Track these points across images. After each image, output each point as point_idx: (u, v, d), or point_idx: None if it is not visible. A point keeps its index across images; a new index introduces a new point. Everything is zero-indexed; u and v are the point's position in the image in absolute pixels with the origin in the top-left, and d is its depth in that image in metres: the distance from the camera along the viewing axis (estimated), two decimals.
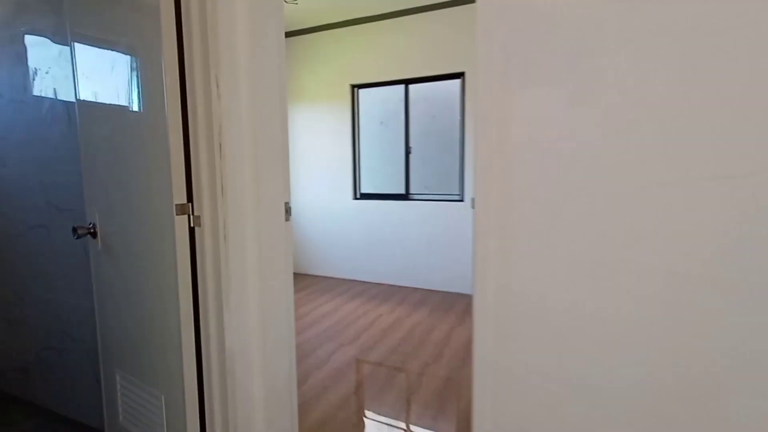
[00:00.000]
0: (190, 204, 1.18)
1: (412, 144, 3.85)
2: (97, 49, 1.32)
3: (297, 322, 2.98)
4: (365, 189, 4.15)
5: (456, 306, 3.33)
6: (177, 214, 1.15)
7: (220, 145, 1.14)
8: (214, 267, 1.17)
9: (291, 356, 1.37)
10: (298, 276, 4.35)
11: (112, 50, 1.27)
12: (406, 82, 3.77)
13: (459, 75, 3.54)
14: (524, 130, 0.86)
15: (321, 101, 4.15)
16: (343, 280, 4.18)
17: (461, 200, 3.64)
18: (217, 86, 1.12)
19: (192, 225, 1.19)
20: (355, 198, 4.14)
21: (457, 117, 3.61)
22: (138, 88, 1.21)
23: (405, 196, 3.91)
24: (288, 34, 4.18)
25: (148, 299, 1.26)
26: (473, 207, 1.15)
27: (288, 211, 1.36)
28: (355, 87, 4.03)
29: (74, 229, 1.33)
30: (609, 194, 0.79)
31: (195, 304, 1.21)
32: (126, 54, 1.24)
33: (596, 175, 0.80)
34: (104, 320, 1.42)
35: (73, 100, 1.40)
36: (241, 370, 1.19)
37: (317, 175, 4.27)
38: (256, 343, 1.22)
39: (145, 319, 1.28)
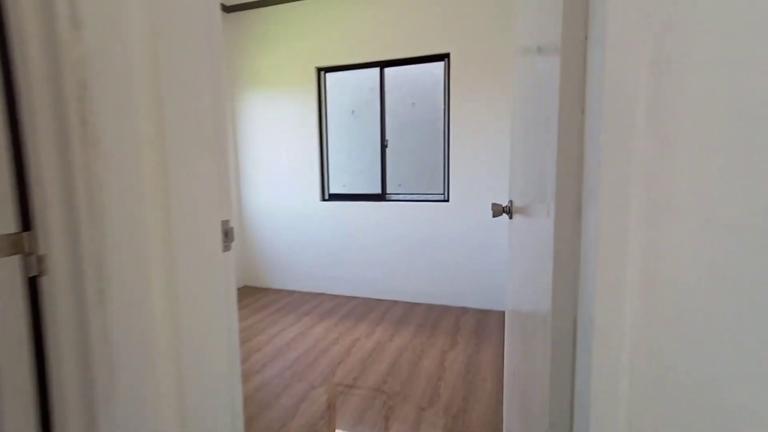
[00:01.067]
0: (24, 235, 0.62)
1: (388, 137, 3.37)
2: None
3: (255, 355, 2.41)
4: (334, 189, 3.62)
5: (443, 322, 2.89)
6: None
7: (84, 119, 0.59)
8: (80, 351, 0.63)
9: None
10: (256, 291, 3.75)
11: None
12: (382, 64, 3.27)
13: (443, 57, 3.09)
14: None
15: (281, 88, 3.56)
16: (311, 294, 3.63)
17: (446, 200, 3.21)
18: (72, 2, 0.57)
19: (33, 274, 0.63)
20: (323, 199, 3.60)
21: (441, 105, 3.16)
22: None
23: (381, 197, 3.42)
24: (239, 8, 3.55)
25: None
26: (548, 216, 0.67)
27: (228, 234, 0.83)
28: (322, 70, 3.48)
29: None
30: None
31: (45, 420, 0.66)
32: None
33: None
34: None
35: None
36: None
37: (278, 174, 3.68)
38: None
39: None
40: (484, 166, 3.02)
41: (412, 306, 3.27)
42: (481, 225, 3.07)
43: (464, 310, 3.13)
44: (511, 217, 1.23)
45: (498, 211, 1.25)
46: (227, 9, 3.57)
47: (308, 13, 3.38)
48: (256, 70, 3.61)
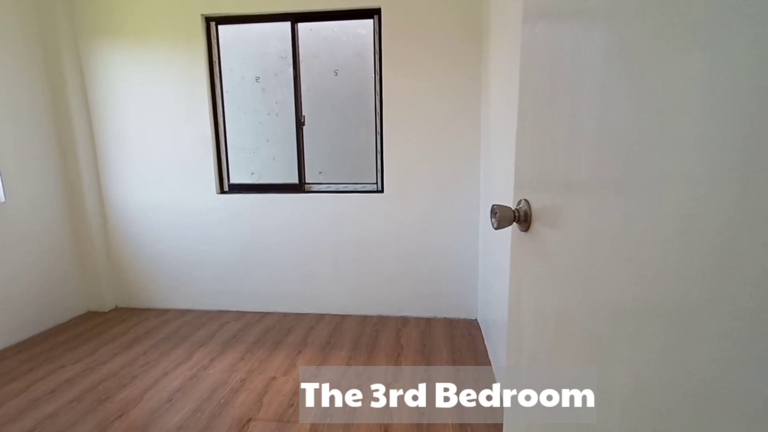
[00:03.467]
0: None
1: (305, 112, 2.68)
2: None
3: (114, 427, 1.62)
4: (237, 179, 2.82)
5: (381, 340, 2.38)
6: None
7: None
8: None
9: None
10: (132, 314, 2.82)
11: None
12: (293, 18, 2.55)
13: (372, 12, 2.49)
14: None
15: (153, 42, 2.62)
16: (211, 313, 2.83)
17: (379, 191, 2.67)
18: None
19: None
20: (222, 191, 2.79)
21: (371, 74, 2.57)
22: None
23: (299, 187, 2.75)
24: None
25: None
26: None
27: None
28: (211, 21, 2.62)
29: None
30: None
31: None
32: None
33: None
34: None
35: None
36: None
37: (156, 161, 2.75)
38: None
39: None
40: (426, 149, 2.53)
41: (341, 320, 2.69)
42: (423, 220, 2.60)
43: (404, 321, 2.65)
44: (527, 228, 0.72)
45: (507, 218, 0.72)
46: None
47: None
48: (113, 11, 2.60)
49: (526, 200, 0.73)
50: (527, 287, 0.74)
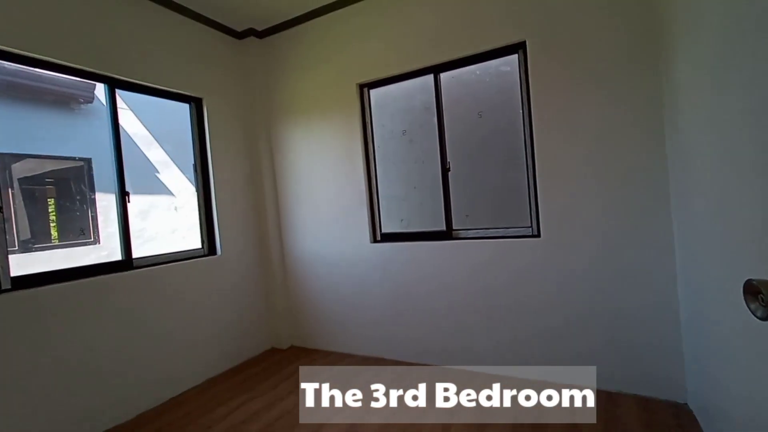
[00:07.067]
0: None
1: (451, 158, 2.65)
2: None
3: None
4: (388, 228, 2.95)
5: (550, 415, 1.99)
6: None
7: None
8: None
9: None
10: (303, 354, 3.15)
11: None
12: (436, 69, 2.62)
13: (516, 48, 2.35)
14: None
15: (318, 112, 3.07)
16: (368, 359, 2.93)
17: (535, 235, 2.37)
18: None
19: None
20: (375, 241, 2.95)
21: (518, 111, 2.39)
22: None
23: (446, 234, 2.68)
24: (271, 31, 3.19)
25: None
26: None
27: None
28: (364, 87, 2.92)
29: None
30: None
31: None
32: None
33: None
34: None
35: None
36: None
37: (321, 214, 3.13)
38: None
39: None
40: (593, 187, 2.14)
41: (493, 381, 2.39)
42: (593, 269, 2.16)
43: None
44: None
45: None
46: (260, 35, 3.24)
47: (344, 22, 2.89)
48: (292, 96, 3.18)
49: None
50: None
